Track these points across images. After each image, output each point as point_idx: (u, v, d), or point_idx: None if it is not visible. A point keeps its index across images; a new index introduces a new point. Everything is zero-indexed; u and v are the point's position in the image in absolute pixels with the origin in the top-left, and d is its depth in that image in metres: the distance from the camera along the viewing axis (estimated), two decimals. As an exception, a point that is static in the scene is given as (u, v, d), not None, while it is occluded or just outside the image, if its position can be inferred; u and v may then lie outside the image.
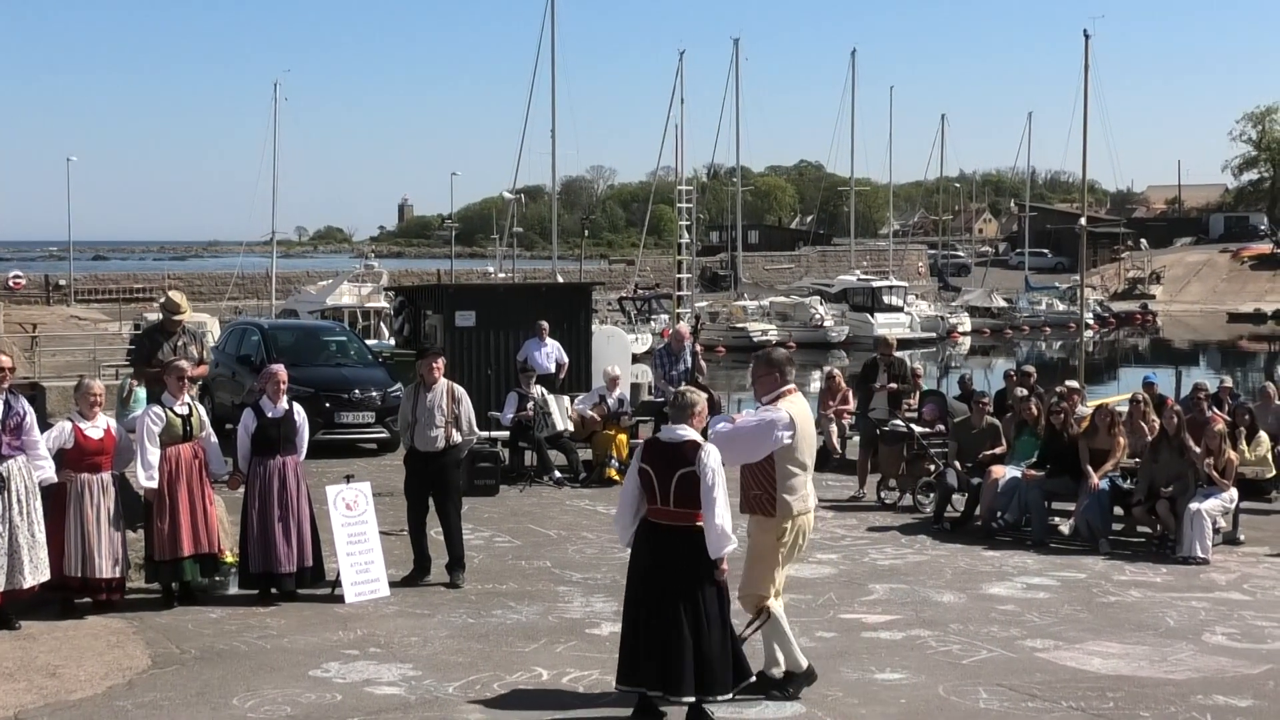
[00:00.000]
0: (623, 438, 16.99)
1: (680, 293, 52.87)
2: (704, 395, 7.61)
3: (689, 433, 7.32)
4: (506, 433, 16.89)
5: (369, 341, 28.12)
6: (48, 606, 9.52)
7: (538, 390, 16.99)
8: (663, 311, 56.33)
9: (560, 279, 48.37)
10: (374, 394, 18.75)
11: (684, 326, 19.72)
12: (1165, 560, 12.16)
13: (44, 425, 9.89)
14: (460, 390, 11.03)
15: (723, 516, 7.12)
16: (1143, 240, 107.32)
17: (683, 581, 7.16)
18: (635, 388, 21.37)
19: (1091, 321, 65.11)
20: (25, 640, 8.99)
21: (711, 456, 7.19)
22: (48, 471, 9.39)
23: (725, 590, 7.29)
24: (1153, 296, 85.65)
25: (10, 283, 69.26)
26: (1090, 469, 12.89)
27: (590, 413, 17.57)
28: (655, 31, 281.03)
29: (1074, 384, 16.21)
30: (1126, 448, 13.32)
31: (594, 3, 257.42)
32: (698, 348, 17.36)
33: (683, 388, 7.62)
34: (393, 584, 10.49)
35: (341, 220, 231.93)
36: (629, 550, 7.51)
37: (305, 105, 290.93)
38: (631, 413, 17.90)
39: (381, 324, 42.42)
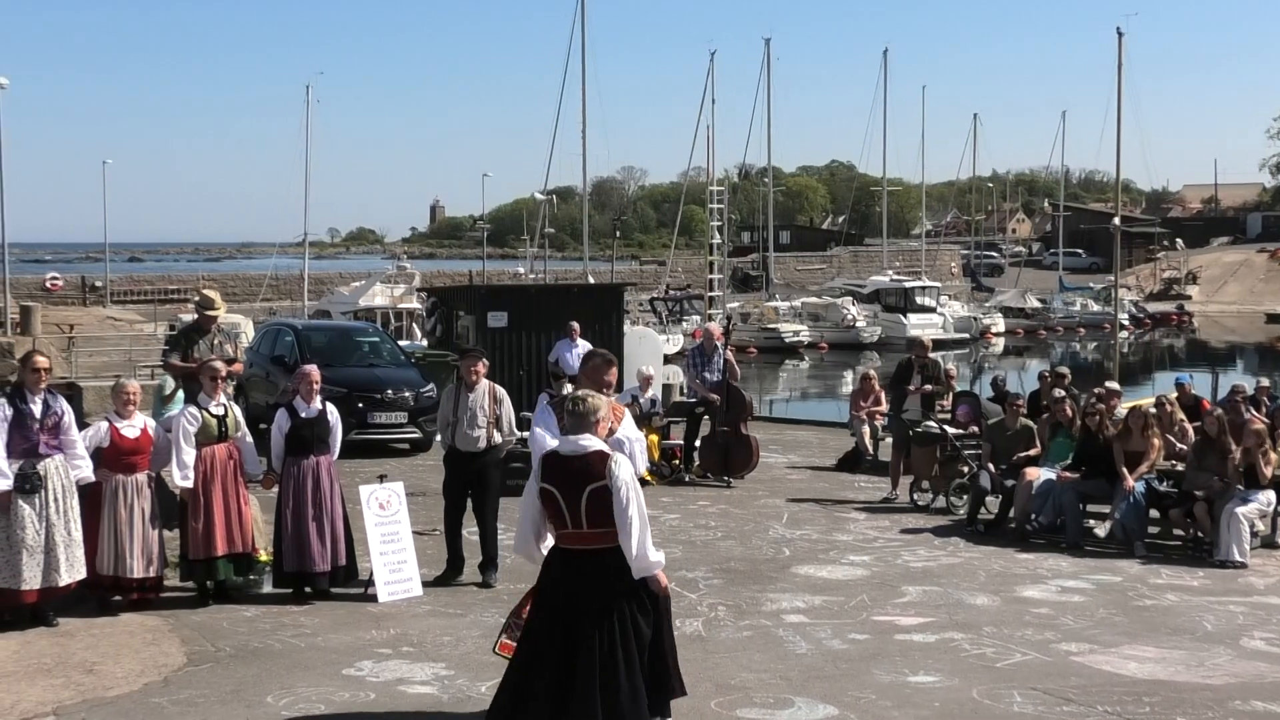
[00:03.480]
0: (654, 438, 17.00)
1: (712, 293, 52.90)
2: (604, 399, 6.78)
3: (593, 442, 6.47)
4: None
5: (401, 342, 28.22)
6: (85, 604, 9.60)
7: (568, 390, 16.96)
8: (694, 312, 56.29)
9: (592, 280, 48.41)
10: (406, 394, 18.83)
11: (715, 326, 19.73)
12: (1202, 564, 12.07)
13: (81, 425, 9.97)
14: (501, 391, 11.08)
15: (640, 537, 6.32)
16: (1178, 240, 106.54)
17: (607, 611, 6.33)
18: (667, 389, 21.38)
19: (1126, 322, 64.68)
20: (63, 637, 9.07)
21: (623, 468, 6.41)
22: (85, 471, 9.47)
23: (664, 605, 6.62)
24: (1189, 297, 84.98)
25: (48, 284, 69.76)
26: (1125, 471, 12.80)
27: (623, 412, 17.56)
28: (686, 32, 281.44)
29: (1113, 385, 16.10)
30: (1162, 449, 13.22)
31: (625, 3, 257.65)
32: (730, 349, 17.37)
33: (579, 391, 6.77)
34: (425, 583, 10.52)
35: (374, 221, 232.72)
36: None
37: (338, 107, 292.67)
38: (663, 413, 17.90)
39: (414, 324, 42.57)
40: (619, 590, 6.39)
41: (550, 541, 6.66)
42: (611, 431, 6.98)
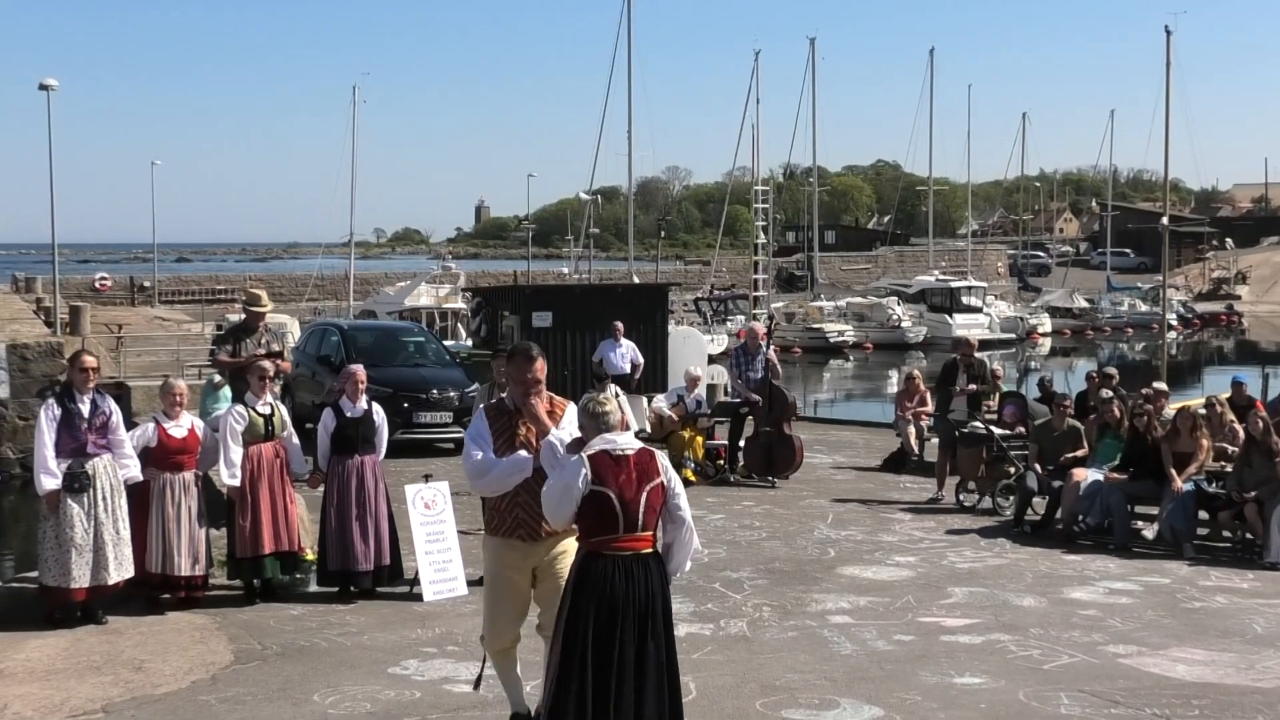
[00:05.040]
0: (699, 439, 17.00)
1: (756, 293, 52.76)
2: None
3: (634, 440, 6.35)
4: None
5: (446, 342, 28.34)
6: (133, 602, 9.70)
7: (612, 391, 17.00)
8: (739, 312, 56.18)
9: (636, 280, 48.44)
10: (451, 394, 18.90)
11: (758, 325, 19.69)
12: (1252, 565, 11.93)
13: (129, 425, 10.07)
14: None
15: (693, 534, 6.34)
16: (1228, 239, 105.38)
17: (659, 622, 6.12)
18: (711, 389, 21.35)
19: (1175, 322, 63.99)
20: (112, 635, 9.17)
21: (668, 461, 6.37)
22: (133, 470, 9.56)
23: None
24: (1238, 297, 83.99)
25: (97, 284, 70.49)
26: (1174, 472, 12.67)
27: (669, 412, 17.58)
28: (731, 31, 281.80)
29: (1161, 386, 15.92)
30: (1211, 451, 13.07)
31: (670, 3, 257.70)
32: (773, 349, 17.33)
33: (600, 395, 6.51)
34: (470, 583, 10.53)
35: (419, 222, 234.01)
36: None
37: (384, 108, 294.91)
38: (709, 414, 17.87)
39: (459, 325, 42.71)
40: (663, 593, 6.19)
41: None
42: (545, 432, 6.65)
